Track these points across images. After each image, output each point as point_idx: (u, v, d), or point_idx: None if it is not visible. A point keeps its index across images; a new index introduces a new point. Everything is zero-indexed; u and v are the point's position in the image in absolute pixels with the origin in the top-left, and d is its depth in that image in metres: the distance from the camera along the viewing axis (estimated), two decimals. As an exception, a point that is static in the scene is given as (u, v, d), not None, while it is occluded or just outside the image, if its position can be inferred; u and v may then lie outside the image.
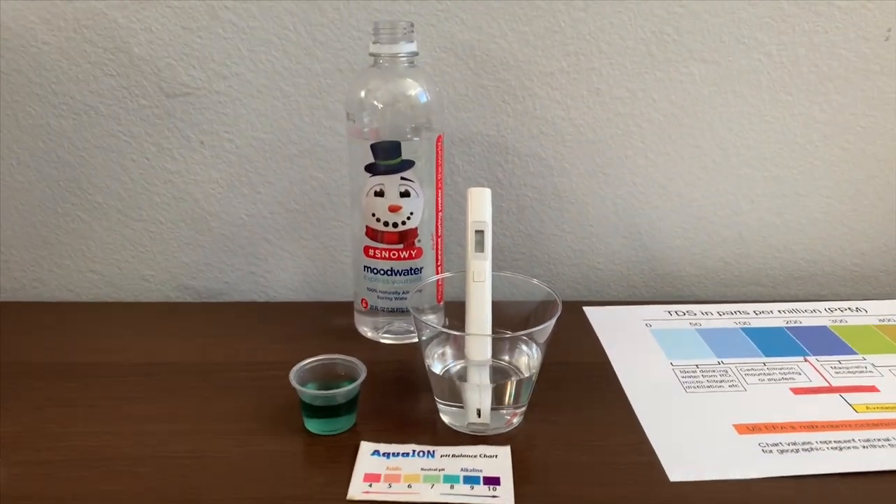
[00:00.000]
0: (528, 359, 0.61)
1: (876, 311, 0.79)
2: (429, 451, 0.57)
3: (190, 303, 0.86)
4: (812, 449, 0.57)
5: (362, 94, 0.67)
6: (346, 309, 0.78)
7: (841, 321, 0.77)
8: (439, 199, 0.71)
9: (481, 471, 0.55)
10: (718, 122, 0.80)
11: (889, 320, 0.77)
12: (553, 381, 0.65)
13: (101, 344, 0.73)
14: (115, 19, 0.75)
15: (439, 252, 0.72)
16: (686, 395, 0.64)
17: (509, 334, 0.60)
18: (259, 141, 0.80)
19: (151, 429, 0.60)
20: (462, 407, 0.59)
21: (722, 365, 0.69)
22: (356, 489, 0.53)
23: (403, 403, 0.64)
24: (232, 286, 0.86)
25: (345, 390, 0.58)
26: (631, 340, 0.74)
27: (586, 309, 0.79)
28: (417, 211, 0.69)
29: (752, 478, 0.54)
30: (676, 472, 0.55)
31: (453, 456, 0.56)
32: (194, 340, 0.73)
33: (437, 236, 0.72)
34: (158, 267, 0.85)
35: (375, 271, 0.71)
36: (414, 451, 0.57)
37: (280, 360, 0.63)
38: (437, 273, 0.73)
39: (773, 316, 0.78)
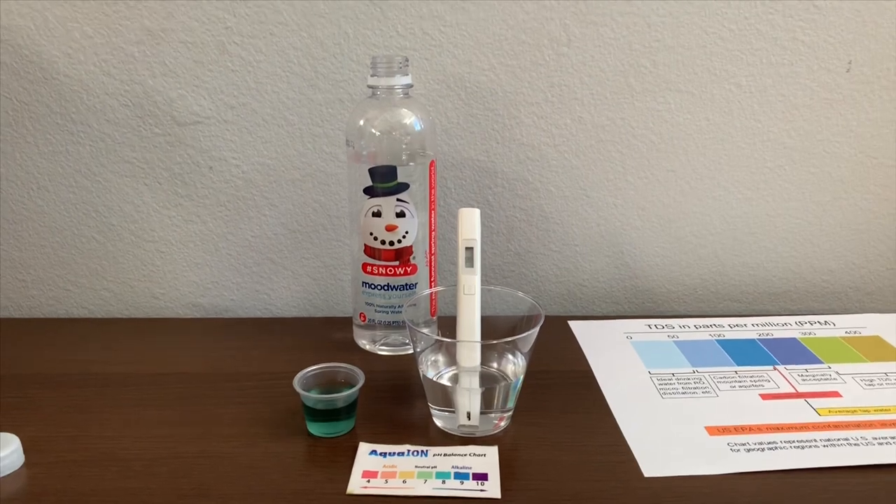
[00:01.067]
0: (514, 366, 0.66)
1: (843, 324, 0.84)
2: (422, 451, 0.61)
3: (198, 319, 0.90)
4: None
5: (361, 122, 0.72)
6: (345, 324, 0.82)
7: (810, 333, 0.82)
8: (433, 219, 0.75)
9: (471, 468, 0.59)
10: (693, 147, 0.85)
11: (855, 332, 0.82)
12: (539, 388, 0.70)
13: (114, 357, 0.77)
14: (132, 54, 0.80)
15: (433, 269, 0.77)
16: (662, 400, 0.69)
17: (496, 342, 0.64)
18: (264, 166, 0.85)
19: (164, 433, 0.64)
20: (453, 411, 0.63)
21: (696, 373, 0.74)
22: (355, 485, 0.57)
23: (399, 409, 0.68)
24: (238, 303, 0.90)
25: (345, 395, 0.63)
26: (612, 351, 0.78)
27: (571, 322, 0.84)
28: (412, 230, 0.73)
29: (719, 473, 0.59)
30: (650, 468, 0.59)
31: (445, 455, 0.61)
32: (203, 353, 0.78)
33: (431, 254, 0.76)
34: (168, 285, 0.89)
35: (373, 287, 0.75)
36: (409, 450, 0.61)
37: (283, 371, 0.67)
38: (431, 288, 0.77)
39: (747, 329, 0.83)
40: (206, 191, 0.86)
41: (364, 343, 0.79)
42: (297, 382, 0.64)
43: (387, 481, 0.58)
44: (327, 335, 0.81)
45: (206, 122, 0.83)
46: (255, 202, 0.86)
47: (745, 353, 0.78)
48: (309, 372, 0.65)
